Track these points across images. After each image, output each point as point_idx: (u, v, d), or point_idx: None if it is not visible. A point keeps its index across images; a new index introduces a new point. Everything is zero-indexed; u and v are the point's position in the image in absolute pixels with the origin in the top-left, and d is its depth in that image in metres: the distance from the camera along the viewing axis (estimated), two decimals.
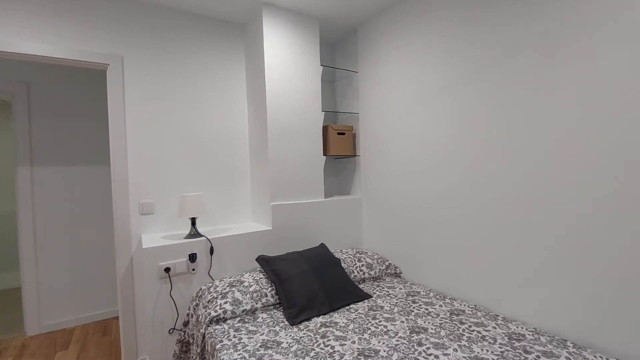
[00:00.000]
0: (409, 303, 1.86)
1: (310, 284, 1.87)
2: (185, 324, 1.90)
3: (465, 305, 1.82)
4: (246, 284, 1.88)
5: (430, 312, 1.74)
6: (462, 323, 1.61)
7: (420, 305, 1.83)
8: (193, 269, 1.97)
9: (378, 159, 2.56)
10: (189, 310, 1.90)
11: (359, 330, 1.57)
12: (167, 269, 1.88)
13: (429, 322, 1.62)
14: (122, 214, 2.12)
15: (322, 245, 2.26)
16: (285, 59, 2.38)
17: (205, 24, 2.45)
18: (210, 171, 2.46)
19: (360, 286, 2.15)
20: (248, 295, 1.80)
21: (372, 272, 2.28)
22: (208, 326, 1.64)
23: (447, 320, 1.64)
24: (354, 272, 2.21)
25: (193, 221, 2.09)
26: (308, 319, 1.71)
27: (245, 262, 2.17)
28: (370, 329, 1.57)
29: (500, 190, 1.73)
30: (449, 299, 1.91)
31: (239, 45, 2.60)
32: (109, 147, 3.06)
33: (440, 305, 1.82)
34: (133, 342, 2.17)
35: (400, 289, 2.09)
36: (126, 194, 2.14)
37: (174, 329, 1.91)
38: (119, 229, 2.12)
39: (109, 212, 3.08)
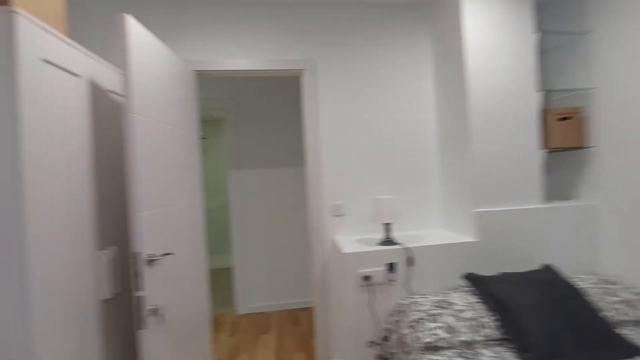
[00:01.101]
0: None
1: (550, 321, 1.41)
2: (385, 339, 1.75)
3: None
4: (457, 307, 1.57)
5: None
6: None
7: None
8: (392, 280, 1.80)
9: (631, 152, 1.80)
10: (388, 325, 1.74)
11: None
12: (367, 277, 1.77)
13: None
14: (316, 215, 2.16)
15: (549, 268, 1.73)
16: (487, 31, 1.93)
17: (387, 12, 2.26)
18: (394, 172, 2.27)
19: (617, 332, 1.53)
20: (463, 323, 1.49)
21: (634, 313, 1.60)
22: (421, 353, 1.42)
23: None
24: (603, 311, 1.60)
25: (387, 226, 1.93)
26: None
27: (447, 278, 1.87)
28: None
29: None
30: None
31: (424, 29, 2.30)
32: (302, 149, 3.31)
33: None
34: (327, 343, 2.19)
35: None
36: (320, 195, 2.16)
37: (373, 342, 1.79)
38: (314, 228, 2.16)
39: (299, 210, 3.32)
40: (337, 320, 2.04)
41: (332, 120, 2.20)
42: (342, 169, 2.20)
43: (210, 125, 4.88)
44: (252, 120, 3.27)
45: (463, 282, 1.87)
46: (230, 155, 3.24)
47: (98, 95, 1.44)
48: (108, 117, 1.51)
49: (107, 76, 1.53)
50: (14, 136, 1.01)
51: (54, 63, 1.17)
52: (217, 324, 3.03)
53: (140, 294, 1.34)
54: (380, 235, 2.18)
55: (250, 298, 3.27)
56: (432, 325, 1.49)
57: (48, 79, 1.15)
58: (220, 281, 4.25)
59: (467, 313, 1.53)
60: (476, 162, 1.92)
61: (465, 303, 1.60)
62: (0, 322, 1.00)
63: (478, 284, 1.64)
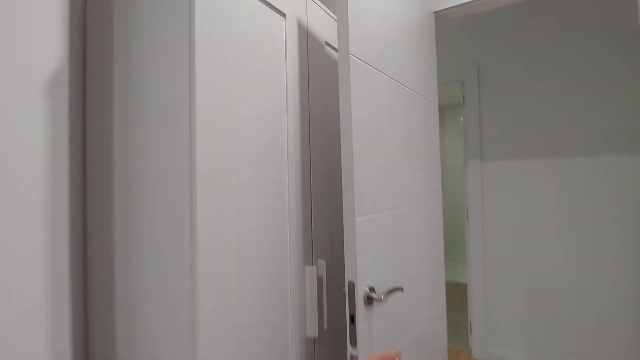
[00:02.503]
0: None
1: None
2: None
3: None
4: None
5: None
6: None
7: None
8: None
9: None
10: None
11: None
12: None
13: None
14: None
15: None
16: None
17: None
18: None
19: None
20: None
21: None
22: None
23: None
24: None
25: None
26: None
27: None
28: None
29: None
30: None
31: None
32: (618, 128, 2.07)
33: None
34: None
35: None
36: None
37: None
38: None
39: (605, 220, 2.10)
40: None
41: None
42: None
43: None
44: (500, 95, 2.30)
45: None
46: (469, 140, 2.42)
47: (311, 46, 1.04)
48: (321, 81, 1.09)
49: (323, 22, 1.11)
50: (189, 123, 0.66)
51: None
52: None
53: (353, 352, 0.81)
54: None
55: (494, 341, 2.34)
56: None
57: (240, 15, 0.78)
58: (455, 299, 3.48)
59: None
60: None
61: None
62: None
63: None
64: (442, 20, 1.49)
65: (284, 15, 0.93)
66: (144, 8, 0.75)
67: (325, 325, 1.01)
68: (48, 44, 0.78)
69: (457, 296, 3.53)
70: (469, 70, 2.41)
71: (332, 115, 1.13)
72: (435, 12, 1.45)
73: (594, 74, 2.04)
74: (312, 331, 0.96)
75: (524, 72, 2.23)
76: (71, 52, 0.83)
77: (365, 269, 0.85)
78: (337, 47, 1.08)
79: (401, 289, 0.93)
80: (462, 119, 3.74)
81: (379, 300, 0.84)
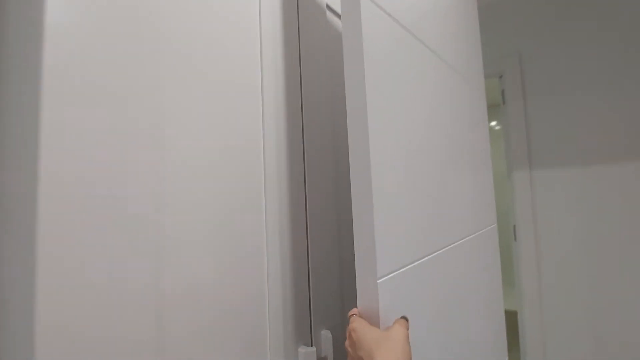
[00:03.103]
0: None
1: None
2: None
3: None
4: None
5: None
6: None
7: None
8: None
9: None
10: None
11: None
12: None
13: None
14: None
15: None
16: None
17: None
18: None
19: None
20: None
21: None
22: None
23: None
24: None
25: None
26: None
27: None
28: None
29: None
30: None
31: None
32: None
33: None
34: None
35: None
36: None
37: None
38: None
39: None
40: None
41: None
42: None
43: None
44: (556, 86, 1.88)
45: None
46: (513, 146, 2.00)
47: (305, 12, 0.70)
48: (320, 64, 0.75)
49: None
50: None
51: None
52: None
53: None
54: None
55: None
56: None
57: None
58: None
59: None
60: None
61: None
62: None
63: None
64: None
65: None
66: None
67: None
68: None
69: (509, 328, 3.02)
70: (508, 61, 2.01)
71: (339, 106, 0.78)
72: None
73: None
74: None
75: (579, 60, 1.81)
76: None
77: None
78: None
79: None
80: (496, 122, 3.33)
81: None
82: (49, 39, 0.36)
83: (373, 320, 0.46)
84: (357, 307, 0.49)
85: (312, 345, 0.63)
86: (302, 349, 0.61)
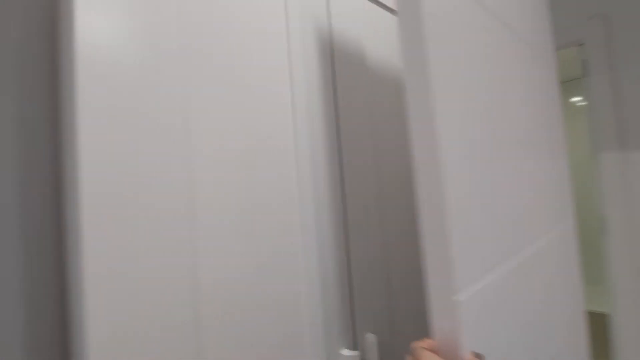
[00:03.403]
0: None
1: None
2: None
3: None
4: None
5: None
6: None
7: None
8: None
9: None
10: None
11: None
12: None
13: None
14: None
15: None
16: None
17: None
18: None
19: None
20: None
21: None
22: None
23: None
24: None
25: None
26: None
27: None
28: None
29: None
30: None
31: None
32: None
33: None
34: None
35: None
36: None
37: None
38: None
39: None
40: None
41: None
42: None
43: None
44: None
45: None
46: (599, 125, 1.72)
47: None
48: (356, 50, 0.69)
49: None
50: None
51: None
52: None
53: None
54: None
55: None
56: None
57: None
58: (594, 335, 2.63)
59: None
60: None
61: None
62: None
63: None
64: None
65: None
66: None
67: None
68: None
69: (592, 329, 2.66)
70: (590, 25, 1.72)
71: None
72: None
73: None
74: None
75: None
76: None
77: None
78: None
79: None
80: (580, 98, 2.93)
81: None
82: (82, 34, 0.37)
83: (450, 355, 0.37)
84: (427, 337, 0.39)
85: (355, 349, 0.59)
86: (345, 352, 0.58)
